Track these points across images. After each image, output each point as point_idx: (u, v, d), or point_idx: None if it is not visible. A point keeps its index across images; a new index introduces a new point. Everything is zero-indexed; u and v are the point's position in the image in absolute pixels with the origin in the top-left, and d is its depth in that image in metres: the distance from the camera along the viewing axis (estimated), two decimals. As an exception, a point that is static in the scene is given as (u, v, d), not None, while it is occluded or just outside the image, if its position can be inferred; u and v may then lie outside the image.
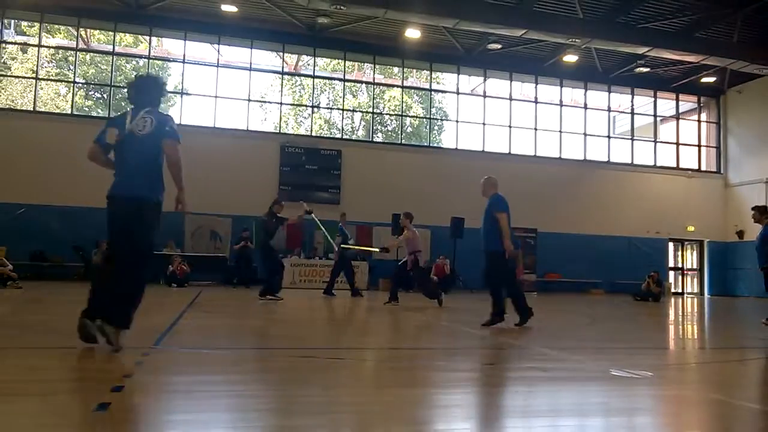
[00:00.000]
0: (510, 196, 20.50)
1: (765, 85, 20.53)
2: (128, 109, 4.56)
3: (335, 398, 3.31)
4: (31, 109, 17.97)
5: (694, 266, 22.87)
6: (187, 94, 19.56)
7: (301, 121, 25.14)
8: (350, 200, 18.12)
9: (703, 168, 22.86)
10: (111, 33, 18.93)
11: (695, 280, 22.88)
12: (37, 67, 18.77)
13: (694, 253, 22.87)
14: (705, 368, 5.14)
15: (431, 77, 21.59)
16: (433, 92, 22.77)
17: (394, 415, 2.96)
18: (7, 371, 3.69)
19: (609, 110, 22.24)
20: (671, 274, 22.26)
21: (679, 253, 22.83)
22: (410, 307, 10.37)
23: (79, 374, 3.66)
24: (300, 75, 22.45)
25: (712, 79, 21.38)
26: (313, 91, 22.15)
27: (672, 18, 17.22)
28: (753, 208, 9.26)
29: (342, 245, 12.83)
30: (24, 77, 21.09)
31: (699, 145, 23.03)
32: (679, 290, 22.45)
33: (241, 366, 4.34)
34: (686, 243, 22.72)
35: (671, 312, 12.81)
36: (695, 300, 19.29)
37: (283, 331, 7.15)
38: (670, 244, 22.28)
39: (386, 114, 25.49)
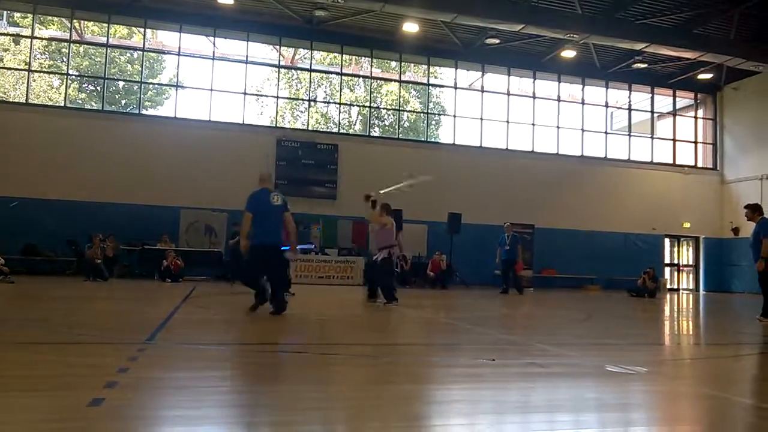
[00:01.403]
0: (507, 191, 20.60)
1: (761, 82, 20.56)
2: None
3: (330, 394, 3.29)
4: (24, 101, 17.83)
5: (690, 262, 22.94)
6: (182, 87, 19.44)
7: (297, 115, 25.08)
8: (346, 195, 18.07)
9: (700, 164, 22.90)
10: (105, 25, 18.76)
11: (690, 276, 22.96)
12: (29, 58, 18.62)
13: (690, 249, 22.93)
14: (699, 364, 5.16)
15: (429, 72, 21.53)
16: (430, 87, 22.72)
17: (390, 411, 2.95)
18: (0, 366, 3.66)
19: (606, 106, 22.23)
20: (667, 270, 22.32)
21: (675, 249, 22.89)
22: (407, 304, 10.35)
23: (73, 369, 3.63)
24: (297, 68, 22.35)
25: (708, 76, 21.39)
26: (310, 84, 22.07)
27: (669, 14, 17.21)
28: (745, 207, 9.26)
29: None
30: (16, 69, 20.94)
31: (695, 142, 23.06)
32: (675, 286, 22.51)
33: (236, 361, 4.32)
34: (682, 239, 22.78)
35: (666, 308, 12.85)
36: (690, 296, 19.37)
37: (277, 327, 7.13)
38: (666, 241, 22.34)
39: (383, 108, 25.45)
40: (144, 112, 21.36)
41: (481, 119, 20.49)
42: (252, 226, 7.08)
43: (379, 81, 23.28)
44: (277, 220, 7.17)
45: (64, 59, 19.67)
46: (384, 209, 10.08)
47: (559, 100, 21.42)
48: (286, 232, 7.35)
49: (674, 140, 22.69)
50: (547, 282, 19.58)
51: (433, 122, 25.00)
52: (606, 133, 22.14)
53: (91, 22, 19.79)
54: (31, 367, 3.63)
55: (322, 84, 25.73)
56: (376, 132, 24.78)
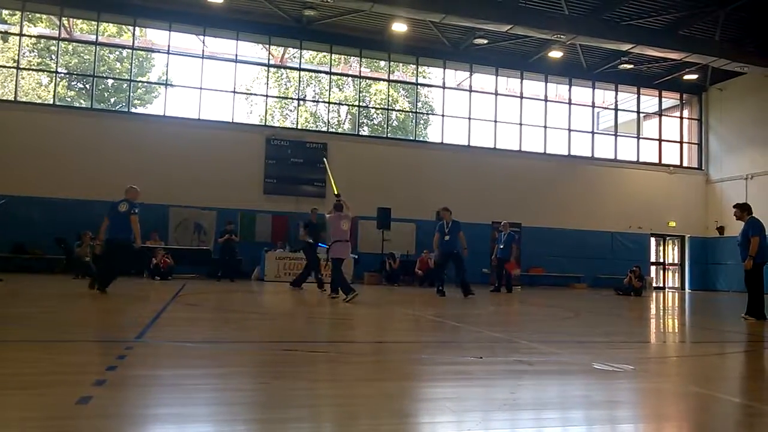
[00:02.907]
0: (494, 190, 20.80)
1: (746, 83, 20.82)
2: None
3: (320, 391, 3.31)
4: (12, 99, 17.64)
5: (676, 261, 23.20)
6: (171, 85, 19.34)
7: (287, 113, 25.02)
8: (336, 194, 18.05)
9: (685, 164, 23.16)
10: (94, 23, 18.61)
11: (676, 274, 23.22)
12: (18, 56, 18.43)
13: (676, 248, 23.19)
14: (685, 362, 5.22)
15: (417, 71, 21.58)
16: (419, 86, 22.77)
17: (378, 409, 2.97)
18: (-14, 365, 3.64)
19: (593, 106, 22.42)
20: (653, 268, 22.56)
21: (661, 248, 23.14)
22: (395, 301, 10.38)
23: (61, 367, 3.61)
24: (286, 67, 22.30)
25: (694, 77, 21.63)
26: (299, 83, 22.03)
27: (656, 15, 17.39)
28: (734, 206, 9.32)
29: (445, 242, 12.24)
30: (5, 66, 20.69)
31: (681, 142, 23.31)
32: (661, 285, 22.75)
33: (225, 359, 4.32)
34: (668, 238, 23.02)
35: (652, 306, 12.98)
36: (676, 294, 19.56)
37: (267, 325, 7.14)
38: (652, 239, 22.57)
39: (372, 107, 25.45)
40: (133, 110, 21.18)
41: (469, 119, 20.58)
42: (107, 226, 9.21)
43: (368, 80, 23.28)
44: (123, 222, 9.10)
45: (53, 57, 19.48)
46: (335, 208, 10.36)
47: (546, 100, 21.57)
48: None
49: (660, 140, 22.93)
50: (534, 280, 19.73)
51: (422, 121, 25.05)
52: (592, 132, 22.34)
53: (80, 20, 19.61)
54: (19, 365, 3.60)
55: (312, 83, 25.68)
56: (365, 131, 24.77)
